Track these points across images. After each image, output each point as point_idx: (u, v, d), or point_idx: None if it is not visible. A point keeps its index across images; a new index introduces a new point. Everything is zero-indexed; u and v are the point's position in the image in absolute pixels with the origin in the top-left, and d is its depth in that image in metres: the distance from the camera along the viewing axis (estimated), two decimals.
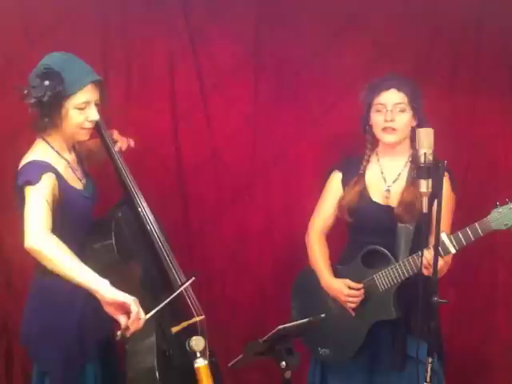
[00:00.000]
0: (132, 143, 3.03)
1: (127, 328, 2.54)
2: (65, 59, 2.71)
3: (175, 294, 2.80)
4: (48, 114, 2.67)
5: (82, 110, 2.72)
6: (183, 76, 3.57)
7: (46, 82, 2.64)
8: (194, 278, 2.87)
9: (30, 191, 2.61)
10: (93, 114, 2.74)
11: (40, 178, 2.61)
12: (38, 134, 2.76)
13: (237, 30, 3.54)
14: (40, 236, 2.55)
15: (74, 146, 2.89)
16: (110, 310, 2.56)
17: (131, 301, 2.54)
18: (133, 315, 2.53)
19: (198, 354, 2.79)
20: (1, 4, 3.38)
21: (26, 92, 2.67)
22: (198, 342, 2.80)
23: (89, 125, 2.77)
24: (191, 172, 3.62)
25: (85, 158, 2.98)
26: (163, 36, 3.52)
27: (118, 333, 2.54)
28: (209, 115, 3.60)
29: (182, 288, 2.85)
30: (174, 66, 3.56)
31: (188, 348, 2.80)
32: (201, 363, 2.79)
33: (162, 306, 2.69)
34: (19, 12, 3.42)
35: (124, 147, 3.00)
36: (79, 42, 3.32)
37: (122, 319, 2.55)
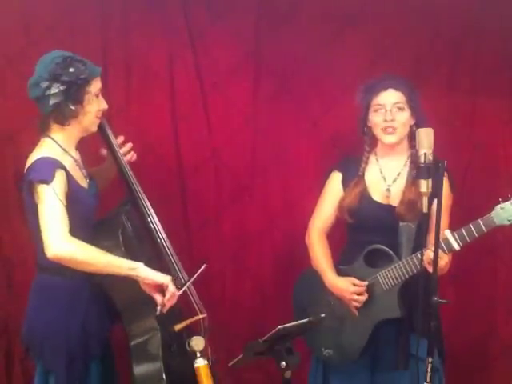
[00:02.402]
0: (134, 157, 3.04)
1: (164, 305, 2.70)
2: (69, 53, 2.72)
3: (198, 272, 2.87)
4: (76, 99, 2.68)
5: (97, 97, 2.75)
6: (183, 76, 3.57)
7: (72, 69, 2.66)
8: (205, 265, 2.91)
9: (44, 191, 2.59)
10: (104, 103, 2.80)
11: (54, 176, 2.60)
12: (43, 133, 2.75)
13: (237, 30, 3.54)
14: (66, 244, 2.57)
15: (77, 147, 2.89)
16: (146, 288, 2.70)
17: (168, 281, 2.70)
18: (168, 295, 2.69)
19: (198, 354, 2.79)
20: (1, 4, 3.38)
21: (46, 84, 2.64)
22: (197, 342, 2.80)
23: (100, 114, 2.80)
24: (191, 172, 3.62)
25: None
26: (163, 36, 3.52)
27: (158, 308, 2.71)
28: (209, 115, 3.60)
29: (201, 269, 2.89)
30: (174, 66, 3.56)
31: (188, 348, 2.81)
32: (201, 363, 2.79)
33: (191, 281, 2.85)
34: (19, 12, 3.42)
35: (127, 157, 3.01)
36: (79, 42, 3.33)
37: (158, 298, 2.71)
